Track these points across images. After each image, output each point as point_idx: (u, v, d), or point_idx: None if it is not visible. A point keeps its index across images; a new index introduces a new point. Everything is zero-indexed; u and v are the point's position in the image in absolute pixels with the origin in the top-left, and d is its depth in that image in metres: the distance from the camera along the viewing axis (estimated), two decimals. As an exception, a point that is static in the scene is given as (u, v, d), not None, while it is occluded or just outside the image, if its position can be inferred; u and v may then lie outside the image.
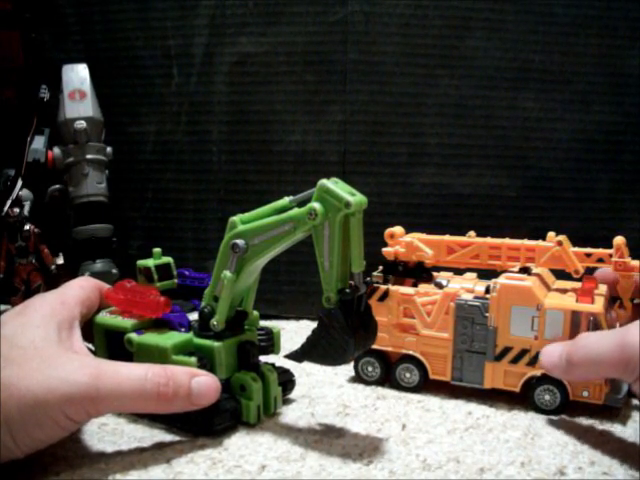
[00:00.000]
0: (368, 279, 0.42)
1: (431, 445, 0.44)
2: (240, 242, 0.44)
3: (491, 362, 0.50)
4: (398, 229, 0.58)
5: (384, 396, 0.52)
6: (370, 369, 0.55)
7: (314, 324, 0.76)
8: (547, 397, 0.49)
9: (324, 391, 0.53)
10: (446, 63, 0.72)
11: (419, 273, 0.57)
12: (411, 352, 0.53)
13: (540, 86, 0.72)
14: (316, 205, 0.41)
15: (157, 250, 0.51)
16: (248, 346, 0.47)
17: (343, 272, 0.42)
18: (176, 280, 0.51)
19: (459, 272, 0.58)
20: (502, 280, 0.50)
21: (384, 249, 0.58)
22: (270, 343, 0.50)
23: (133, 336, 0.47)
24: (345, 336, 0.41)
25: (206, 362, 0.45)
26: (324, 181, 0.41)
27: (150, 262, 0.50)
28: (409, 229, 0.67)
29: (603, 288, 0.51)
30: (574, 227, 0.73)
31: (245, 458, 0.42)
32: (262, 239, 0.44)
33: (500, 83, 0.72)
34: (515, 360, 0.50)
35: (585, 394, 0.47)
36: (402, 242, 0.57)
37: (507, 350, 0.50)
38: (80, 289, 0.48)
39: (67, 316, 0.44)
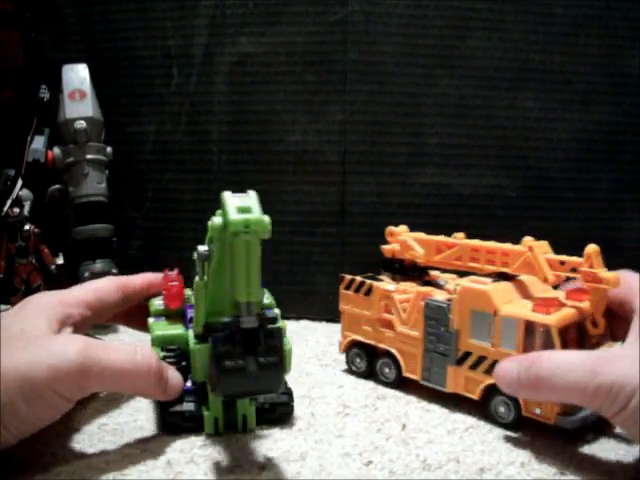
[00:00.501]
0: (272, 312, 0.38)
1: (431, 445, 0.44)
2: (201, 248, 0.42)
3: (453, 366, 0.49)
4: (401, 228, 0.59)
5: (384, 396, 0.52)
6: (358, 361, 0.57)
7: (314, 324, 0.76)
8: (502, 409, 0.47)
9: (324, 391, 0.53)
10: (446, 63, 0.72)
11: (411, 271, 0.57)
12: (388, 348, 0.54)
13: (540, 86, 0.72)
14: (213, 219, 0.38)
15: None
16: None
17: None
18: None
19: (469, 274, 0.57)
20: (463, 282, 0.49)
21: (383, 246, 0.58)
22: None
23: (150, 320, 0.49)
24: (215, 370, 0.38)
25: (175, 360, 0.45)
26: (223, 193, 0.38)
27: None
28: (409, 229, 0.67)
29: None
30: (574, 227, 0.73)
31: (245, 458, 0.42)
32: (213, 247, 0.41)
33: (500, 83, 0.72)
34: (474, 366, 0.48)
35: (537, 411, 0.44)
36: (399, 240, 0.58)
37: (467, 355, 0.48)
38: (92, 292, 0.48)
39: (60, 313, 0.44)
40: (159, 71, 0.75)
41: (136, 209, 0.78)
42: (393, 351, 0.53)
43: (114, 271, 0.71)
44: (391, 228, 0.59)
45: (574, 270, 0.47)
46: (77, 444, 0.44)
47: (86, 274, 0.69)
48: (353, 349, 0.57)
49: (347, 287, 0.57)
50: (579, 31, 0.71)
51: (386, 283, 0.56)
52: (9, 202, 0.67)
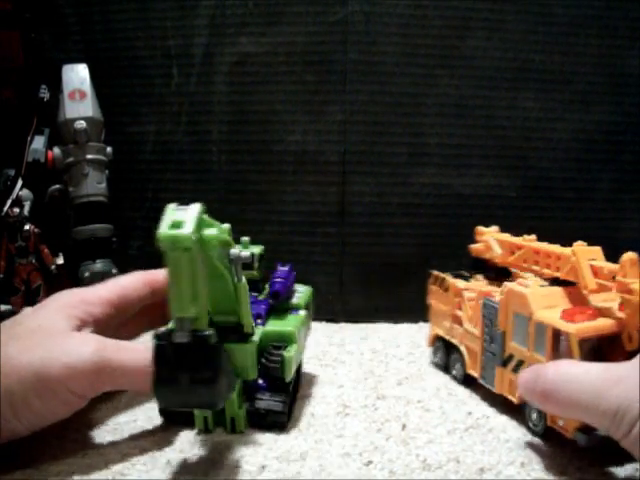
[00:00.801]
0: (208, 332, 0.38)
1: (431, 445, 0.44)
2: None
3: (499, 367, 0.49)
4: (490, 228, 0.58)
5: (384, 396, 0.52)
6: (439, 354, 0.59)
7: (314, 324, 0.76)
8: (534, 416, 0.46)
9: (324, 391, 0.53)
10: (446, 63, 0.72)
11: (494, 272, 0.57)
12: (457, 343, 0.55)
13: (540, 86, 0.72)
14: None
15: (244, 239, 0.52)
16: None
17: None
18: (256, 272, 0.51)
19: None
20: (510, 284, 0.49)
21: (470, 245, 0.59)
22: (277, 366, 0.46)
23: None
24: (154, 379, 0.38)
25: None
26: (168, 206, 0.38)
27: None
28: (409, 229, 0.67)
29: None
30: (574, 227, 0.73)
31: (245, 458, 0.42)
32: None
33: (500, 83, 0.72)
34: (515, 369, 0.47)
35: (560, 423, 0.43)
36: (483, 240, 0.58)
37: (510, 357, 0.48)
38: (117, 289, 0.48)
39: (82, 312, 0.44)
40: (159, 71, 0.75)
41: (136, 209, 0.78)
42: (461, 347, 0.55)
43: (114, 271, 0.71)
44: (480, 228, 0.59)
45: (614, 278, 0.44)
46: (77, 444, 0.44)
47: (86, 274, 0.69)
48: (436, 343, 0.59)
49: (434, 283, 0.59)
50: (579, 31, 0.71)
51: (459, 280, 0.57)
52: (9, 202, 0.67)
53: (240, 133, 0.75)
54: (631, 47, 0.71)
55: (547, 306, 0.46)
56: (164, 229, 0.36)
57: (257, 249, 0.52)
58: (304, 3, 0.71)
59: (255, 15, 0.73)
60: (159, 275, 0.51)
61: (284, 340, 0.47)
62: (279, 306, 0.51)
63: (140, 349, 0.42)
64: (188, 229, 0.35)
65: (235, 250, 0.43)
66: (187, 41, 0.74)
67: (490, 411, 0.49)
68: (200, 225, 0.37)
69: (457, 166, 0.73)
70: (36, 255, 0.69)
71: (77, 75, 0.70)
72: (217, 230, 0.39)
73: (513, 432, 0.46)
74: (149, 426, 0.47)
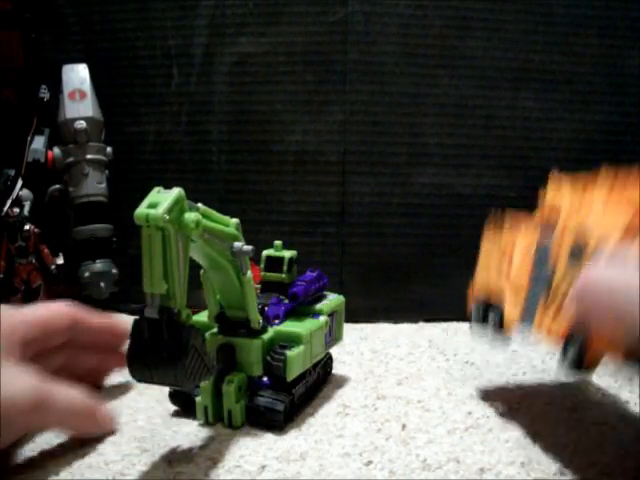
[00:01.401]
0: (176, 310, 0.38)
1: (431, 445, 0.44)
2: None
3: (544, 299, 0.42)
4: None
5: (384, 396, 0.52)
6: (481, 305, 0.50)
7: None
8: (573, 351, 0.39)
9: (324, 391, 0.53)
10: (446, 63, 0.72)
11: None
12: (501, 288, 0.48)
13: (540, 86, 0.72)
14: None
15: (277, 242, 0.53)
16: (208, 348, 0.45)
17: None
18: (285, 276, 0.52)
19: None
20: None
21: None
22: (279, 365, 0.46)
23: None
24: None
25: None
26: (154, 188, 0.40)
27: (265, 252, 0.53)
28: (409, 229, 0.67)
29: None
30: (574, 227, 0.73)
31: (245, 458, 0.42)
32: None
33: (500, 83, 0.72)
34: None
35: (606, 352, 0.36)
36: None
37: (557, 288, 0.40)
38: (43, 311, 0.46)
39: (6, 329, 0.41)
40: (159, 71, 0.75)
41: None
42: (505, 291, 0.47)
43: (114, 271, 0.71)
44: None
45: None
46: (77, 444, 0.44)
47: (86, 274, 0.69)
48: (480, 295, 0.51)
49: (493, 223, 0.53)
50: (579, 31, 0.71)
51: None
52: (9, 202, 0.68)
53: (240, 133, 0.75)
54: (631, 47, 0.71)
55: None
56: (141, 208, 0.38)
57: (289, 253, 0.53)
58: (304, 3, 0.72)
59: (255, 15, 0.73)
60: (88, 317, 0.48)
61: (292, 340, 0.47)
62: (302, 310, 0.51)
63: (78, 391, 0.42)
64: (161, 209, 0.38)
65: (238, 243, 0.44)
66: (187, 41, 0.74)
67: (490, 411, 0.49)
68: (176, 208, 0.38)
69: (457, 166, 0.73)
70: (36, 255, 0.69)
71: (77, 75, 0.71)
72: (209, 217, 0.43)
73: (513, 432, 0.46)
74: (149, 426, 0.47)
